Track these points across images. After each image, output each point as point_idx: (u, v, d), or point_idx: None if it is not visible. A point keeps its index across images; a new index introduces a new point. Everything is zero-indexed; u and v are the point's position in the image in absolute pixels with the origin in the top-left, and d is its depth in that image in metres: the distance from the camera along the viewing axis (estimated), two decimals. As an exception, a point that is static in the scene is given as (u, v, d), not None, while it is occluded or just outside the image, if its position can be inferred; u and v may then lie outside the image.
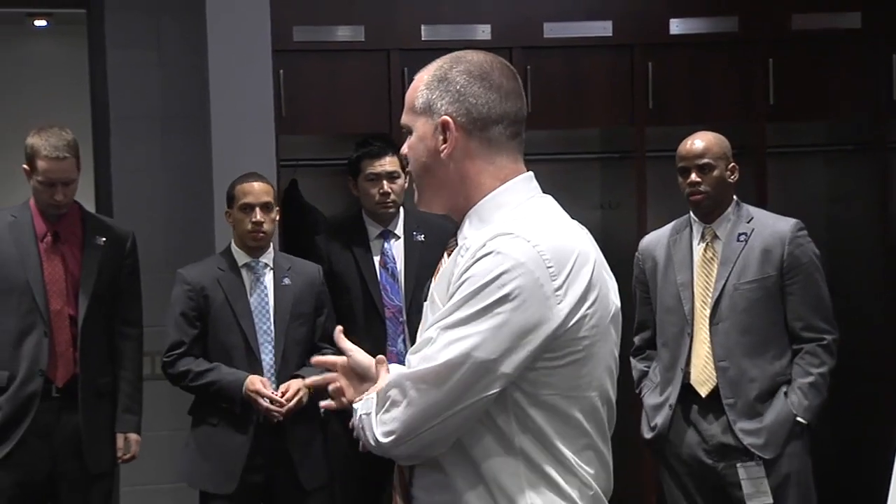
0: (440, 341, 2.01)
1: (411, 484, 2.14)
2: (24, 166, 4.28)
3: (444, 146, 2.14)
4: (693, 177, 4.08)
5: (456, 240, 2.18)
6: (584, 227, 2.19)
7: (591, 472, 2.09)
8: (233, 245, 4.39)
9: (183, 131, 5.30)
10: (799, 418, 3.98)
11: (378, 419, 2.05)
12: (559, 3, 5.37)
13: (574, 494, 2.06)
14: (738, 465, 3.99)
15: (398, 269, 4.62)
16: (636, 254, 4.31)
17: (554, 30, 5.31)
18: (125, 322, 4.42)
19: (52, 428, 4.25)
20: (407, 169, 2.26)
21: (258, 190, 4.31)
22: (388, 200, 4.58)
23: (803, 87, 5.46)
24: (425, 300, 2.24)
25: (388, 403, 2.04)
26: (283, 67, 5.04)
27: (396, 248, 4.66)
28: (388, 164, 4.61)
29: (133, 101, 5.31)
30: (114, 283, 4.37)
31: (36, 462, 4.24)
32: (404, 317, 4.58)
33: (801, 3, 5.47)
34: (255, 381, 4.17)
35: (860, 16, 5.46)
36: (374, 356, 4.57)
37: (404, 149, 2.24)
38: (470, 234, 2.12)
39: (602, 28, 5.36)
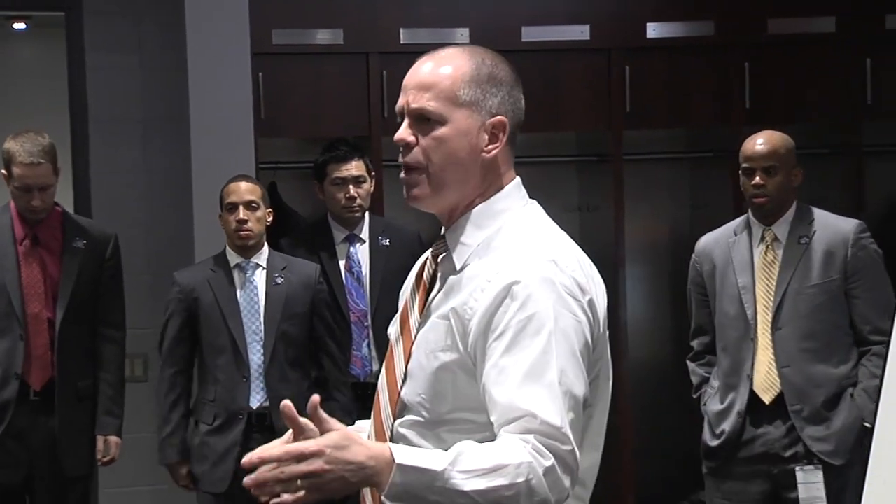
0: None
1: None
2: (2, 171, 4.28)
3: (491, 146, 2.07)
4: (757, 179, 3.95)
5: (444, 244, 2.12)
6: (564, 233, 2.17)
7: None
8: (226, 247, 4.42)
9: (162, 134, 5.30)
10: (866, 423, 3.82)
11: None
12: (537, 7, 5.41)
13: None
14: (797, 468, 3.88)
15: (363, 273, 4.64)
16: (693, 256, 4.20)
17: (532, 34, 5.35)
18: (107, 324, 4.42)
19: (29, 431, 4.25)
20: (410, 157, 2.07)
21: (242, 189, 4.34)
22: (355, 205, 4.60)
23: (779, 90, 5.50)
24: (403, 308, 2.18)
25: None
26: (262, 70, 5.05)
27: (362, 252, 4.69)
28: (355, 168, 4.63)
29: (112, 104, 5.31)
30: (94, 286, 4.37)
31: (12, 465, 4.25)
32: (369, 321, 4.61)
33: (777, 7, 5.51)
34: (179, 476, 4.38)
35: (834, 20, 5.51)
36: (339, 360, 4.50)
37: (409, 136, 2.06)
38: (469, 242, 2.07)
39: (580, 32, 5.40)
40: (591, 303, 2.01)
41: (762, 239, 4.02)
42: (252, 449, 4.17)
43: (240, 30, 4.96)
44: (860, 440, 3.85)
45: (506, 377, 1.91)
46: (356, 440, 1.86)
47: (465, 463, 1.85)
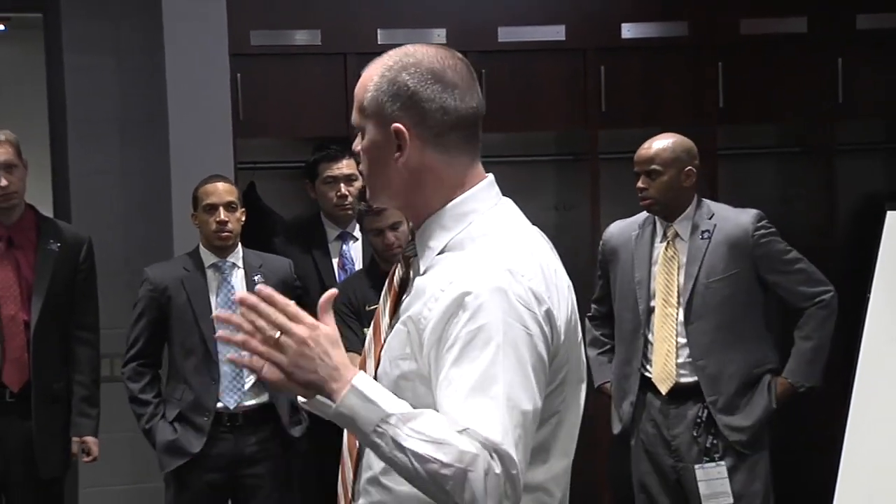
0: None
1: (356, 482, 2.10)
2: None
3: (398, 154, 2.02)
4: (640, 182, 4.11)
5: (414, 246, 2.09)
6: (540, 231, 2.14)
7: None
8: (200, 247, 4.41)
9: (141, 135, 5.31)
10: (799, 386, 4.05)
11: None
12: (513, 7, 5.43)
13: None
14: (696, 466, 4.02)
15: (356, 270, 4.67)
16: (601, 240, 4.36)
17: (508, 34, 5.37)
18: (80, 326, 4.42)
19: (5, 433, 4.26)
20: (360, 167, 2.14)
21: (221, 190, 4.34)
22: (346, 203, 4.64)
23: (752, 90, 5.55)
24: (377, 312, 2.17)
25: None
26: (240, 71, 5.07)
27: (355, 249, 4.71)
28: (346, 167, 4.67)
29: (91, 105, 5.31)
30: (69, 288, 4.37)
31: (-13, 467, 4.25)
32: (362, 318, 4.63)
33: (750, 8, 5.56)
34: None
35: (806, 21, 5.56)
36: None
37: (356, 146, 2.11)
38: (434, 245, 2.04)
39: (555, 32, 5.43)
40: (548, 313, 1.95)
41: (664, 235, 4.13)
42: (219, 448, 4.14)
43: (218, 31, 4.98)
44: (769, 425, 4.08)
45: (453, 390, 1.87)
46: (343, 350, 1.93)
47: (417, 423, 1.85)
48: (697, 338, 4.03)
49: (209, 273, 4.37)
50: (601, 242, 4.36)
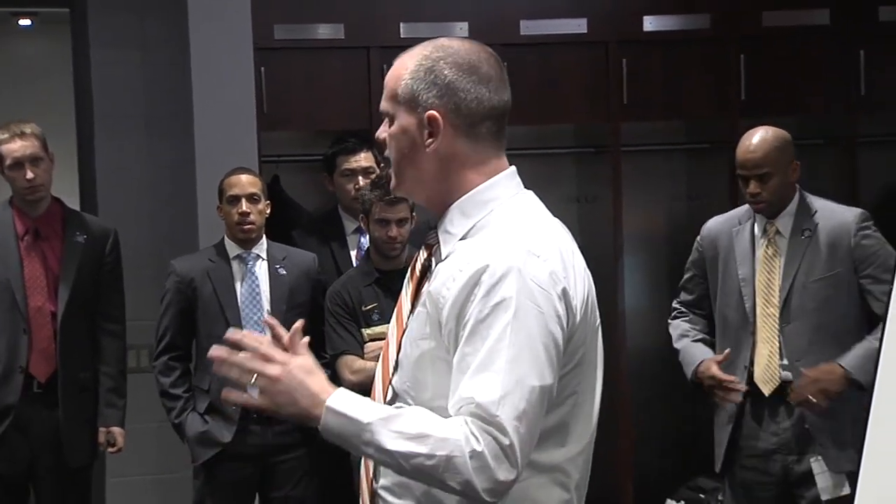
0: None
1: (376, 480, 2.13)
2: None
3: (430, 141, 2.06)
4: (752, 187, 3.89)
5: (436, 234, 2.12)
6: (561, 223, 2.15)
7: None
8: (225, 238, 4.44)
9: (166, 128, 5.34)
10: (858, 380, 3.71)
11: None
12: (535, 1, 5.45)
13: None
14: (811, 459, 3.86)
15: (349, 269, 4.68)
16: (698, 238, 4.16)
17: (530, 27, 5.40)
18: (106, 318, 4.45)
19: (33, 423, 4.29)
20: (385, 153, 2.15)
21: (244, 182, 4.37)
22: None
23: (774, 82, 5.55)
24: (399, 299, 2.19)
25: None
26: (264, 65, 5.10)
27: (372, 242, 4.73)
28: (364, 159, 4.70)
29: (117, 99, 5.34)
30: (94, 280, 4.40)
31: (16, 457, 4.29)
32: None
33: (772, 0, 5.56)
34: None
35: (829, 13, 5.56)
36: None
37: (381, 133, 2.13)
38: (455, 231, 2.07)
39: (577, 25, 5.44)
40: (563, 292, 1.98)
41: (765, 231, 3.97)
42: (247, 439, 4.15)
43: (242, 25, 5.00)
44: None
45: (465, 366, 1.93)
46: (321, 374, 2.01)
47: (397, 423, 1.92)
48: (793, 339, 3.88)
49: (234, 264, 4.40)
50: (698, 239, 4.15)
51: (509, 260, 1.95)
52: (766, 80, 5.53)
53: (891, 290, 3.30)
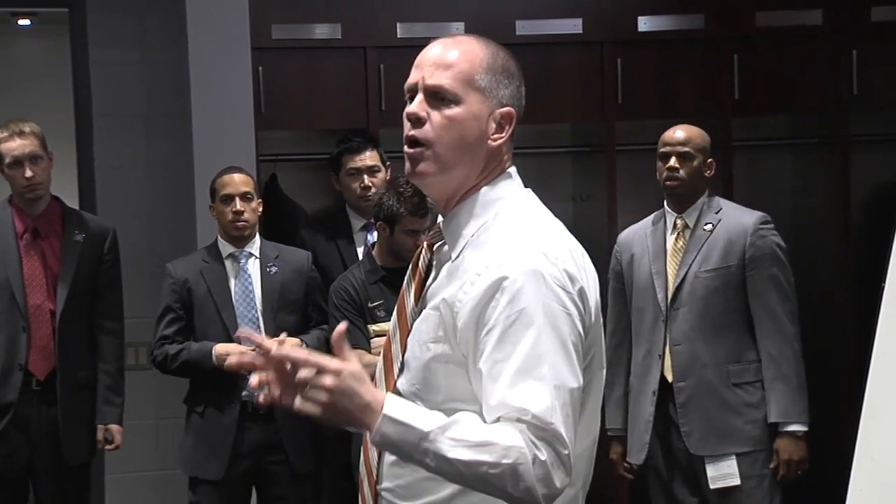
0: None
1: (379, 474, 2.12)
2: None
3: (497, 135, 2.08)
4: (672, 161, 4.11)
5: (438, 233, 2.13)
6: (559, 222, 2.16)
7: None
8: (218, 238, 4.46)
9: (164, 128, 5.37)
10: (799, 426, 4.02)
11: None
12: (531, 1, 5.48)
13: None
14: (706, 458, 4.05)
15: (352, 266, 4.71)
16: (615, 247, 4.35)
17: (526, 27, 5.43)
18: (105, 316, 4.47)
19: (32, 420, 4.30)
20: (409, 131, 2.06)
21: (237, 181, 4.39)
22: (370, 194, 4.68)
23: (768, 82, 5.57)
24: (400, 298, 2.17)
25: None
26: (262, 64, 5.13)
27: (379, 239, 4.76)
28: (369, 158, 4.73)
29: (115, 99, 5.37)
30: (93, 278, 4.42)
31: (14, 454, 4.30)
32: (388, 307, 4.67)
33: (765, 1, 5.58)
34: (220, 347, 4.20)
35: (821, 13, 5.58)
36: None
37: (421, 111, 2.05)
38: (466, 232, 2.07)
39: (573, 25, 5.47)
40: (581, 292, 2.00)
41: (674, 227, 4.17)
42: (245, 437, 4.14)
43: (240, 25, 5.03)
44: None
45: (498, 373, 1.90)
46: (369, 382, 1.91)
47: (456, 431, 1.87)
48: (678, 324, 4.06)
49: (227, 263, 4.41)
50: (614, 251, 4.33)
51: (529, 263, 1.95)
52: (759, 79, 5.55)
53: (880, 290, 3.35)
